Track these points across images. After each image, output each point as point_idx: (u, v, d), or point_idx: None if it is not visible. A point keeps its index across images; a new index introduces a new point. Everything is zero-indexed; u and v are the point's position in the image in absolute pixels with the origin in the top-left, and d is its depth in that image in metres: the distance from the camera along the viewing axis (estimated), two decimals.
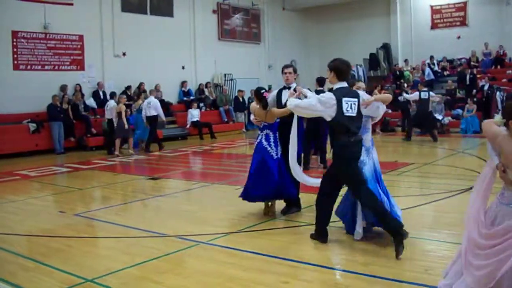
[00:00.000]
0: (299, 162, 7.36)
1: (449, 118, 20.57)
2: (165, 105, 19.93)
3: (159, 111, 17.32)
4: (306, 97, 7.34)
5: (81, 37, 19.22)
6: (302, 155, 8.60)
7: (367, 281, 4.88)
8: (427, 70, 24.60)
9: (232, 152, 17.56)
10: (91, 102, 19.19)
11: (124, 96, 17.31)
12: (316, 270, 5.33)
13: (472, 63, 24.41)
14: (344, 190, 6.29)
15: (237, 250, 5.96)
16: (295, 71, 7.75)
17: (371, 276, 4.98)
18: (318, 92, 9.29)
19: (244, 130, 23.78)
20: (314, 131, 11.22)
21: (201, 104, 22.87)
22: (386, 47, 27.36)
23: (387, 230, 5.72)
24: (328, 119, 5.78)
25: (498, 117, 3.90)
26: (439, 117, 19.73)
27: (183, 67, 23.24)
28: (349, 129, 5.74)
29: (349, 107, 5.75)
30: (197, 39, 23.80)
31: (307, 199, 8.37)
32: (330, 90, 6.19)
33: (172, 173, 12.72)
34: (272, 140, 7.33)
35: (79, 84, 18.88)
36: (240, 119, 24.13)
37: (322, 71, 30.28)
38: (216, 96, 24.01)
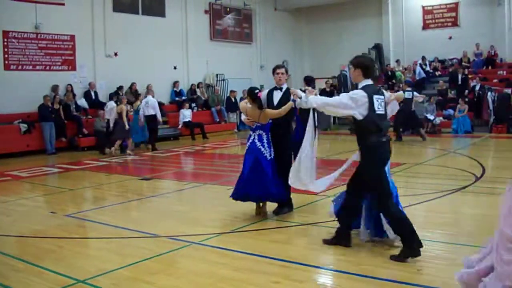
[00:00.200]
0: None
1: (441, 118, 20.64)
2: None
3: (157, 110, 17.51)
4: (300, 98, 7.33)
5: (72, 37, 19.14)
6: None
7: (359, 281, 4.89)
8: (418, 69, 24.69)
9: (224, 152, 17.55)
10: (82, 102, 19.12)
11: (125, 97, 17.41)
12: (308, 270, 5.33)
13: (463, 63, 24.51)
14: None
15: (229, 250, 5.96)
16: (286, 71, 7.74)
17: (363, 276, 4.99)
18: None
19: (236, 130, 23.78)
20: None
21: (193, 104, 22.85)
22: (378, 48, 27.41)
23: (403, 243, 5.45)
24: (360, 117, 5.46)
25: None
26: (430, 117, 19.80)
27: (175, 67, 23.21)
28: (381, 128, 5.50)
29: (380, 104, 5.52)
30: (189, 39, 23.77)
31: (300, 200, 8.39)
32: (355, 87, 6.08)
33: (164, 174, 12.70)
34: (265, 140, 7.31)
35: (70, 85, 18.80)
36: (232, 119, 24.13)
37: (314, 71, 30.52)
38: (208, 96, 23.99)
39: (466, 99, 20.92)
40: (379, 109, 5.48)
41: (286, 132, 7.57)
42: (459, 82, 22.28)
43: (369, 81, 5.62)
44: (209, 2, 25.10)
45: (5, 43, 17.32)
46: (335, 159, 13.97)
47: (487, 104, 20.28)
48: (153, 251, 6.00)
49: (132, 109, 17.50)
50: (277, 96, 7.54)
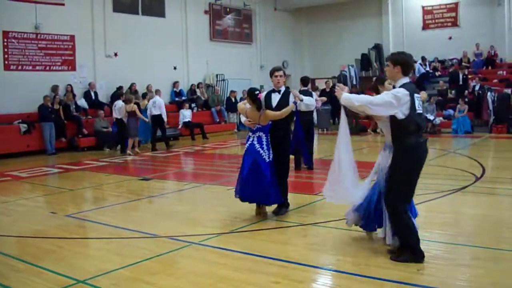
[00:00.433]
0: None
1: (441, 118, 20.64)
2: None
3: (163, 110, 17.78)
4: (301, 100, 7.32)
5: (72, 37, 19.15)
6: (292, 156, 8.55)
7: (358, 281, 4.89)
8: (417, 66, 24.72)
9: (224, 152, 17.55)
10: (82, 102, 19.13)
11: (133, 96, 17.68)
12: (307, 270, 5.33)
13: (463, 63, 24.51)
14: None
15: (229, 250, 5.96)
16: (284, 74, 7.70)
17: (362, 276, 4.99)
18: (302, 93, 9.22)
19: (236, 130, 23.79)
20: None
21: (193, 105, 22.85)
22: (377, 48, 27.39)
23: (407, 249, 5.35)
24: (401, 117, 5.18)
25: None
26: (430, 117, 19.79)
27: (175, 68, 23.22)
28: (421, 128, 5.31)
29: (419, 103, 5.28)
30: (189, 39, 23.77)
31: (299, 200, 8.40)
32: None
33: (164, 174, 12.69)
34: (264, 143, 7.27)
35: (70, 85, 18.81)
36: (232, 119, 24.14)
37: (314, 71, 30.56)
38: (208, 96, 24.00)
39: (466, 99, 20.93)
40: (419, 108, 5.28)
41: (286, 133, 7.55)
42: (460, 82, 22.28)
43: (408, 79, 5.41)
44: (209, 3, 25.11)
45: (5, 43, 17.32)
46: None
47: (487, 104, 20.28)
48: (153, 251, 6.00)
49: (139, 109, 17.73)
50: (275, 98, 7.49)
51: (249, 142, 7.36)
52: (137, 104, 17.30)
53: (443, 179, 10.32)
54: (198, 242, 6.31)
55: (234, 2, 26.22)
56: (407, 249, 5.34)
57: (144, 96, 18.70)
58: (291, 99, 7.43)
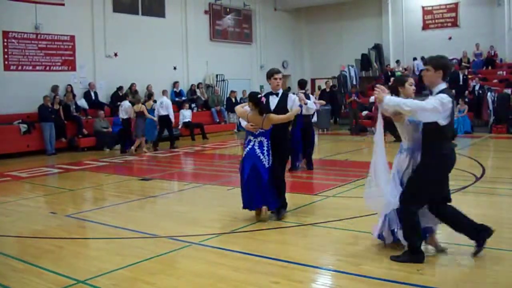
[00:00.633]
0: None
1: None
2: None
3: (170, 111, 18.03)
4: (306, 104, 7.31)
5: (72, 38, 19.15)
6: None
7: (359, 281, 4.90)
8: (417, 63, 24.69)
9: (224, 152, 17.57)
10: (82, 102, 19.13)
11: (142, 97, 18.18)
12: (307, 270, 5.34)
13: (463, 63, 24.50)
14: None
15: (229, 250, 5.96)
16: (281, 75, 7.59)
17: (362, 276, 4.99)
18: None
19: (236, 130, 23.77)
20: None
21: (193, 105, 22.84)
22: (377, 48, 27.44)
23: (409, 249, 5.37)
24: (444, 123, 5.09)
25: None
26: None
27: (174, 68, 23.22)
28: (455, 134, 5.35)
29: (454, 110, 5.26)
30: (189, 39, 23.77)
31: (299, 200, 8.40)
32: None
33: (164, 174, 12.69)
34: (265, 148, 7.12)
35: (70, 85, 18.79)
36: (232, 119, 24.12)
37: (314, 71, 30.51)
38: (208, 96, 23.99)
39: (466, 100, 20.93)
40: (454, 114, 5.21)
41: (285, 136, 7.48)
42: (460, 83, 22.27)
43: (445, 84, 5.31)
44: (209, 3, 25.11)
45: (5, 44, 17.32)
46: (335, 159, 13.96)
47: (487, 104, 20.29)
48: (153, 251, 6.00)
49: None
50: (273, 101, 7.33)
51: (249, 147, 7.19)
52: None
53: None
54: (198, 242, 6.31)
55: (234, 2, 26.21)
56: (408, 249, 5.34)
57: (150, 97, 18.72)
58: (289, 102, 7.38)
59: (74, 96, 18.76)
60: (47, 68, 18.49)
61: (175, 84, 22.69)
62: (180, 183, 11.44)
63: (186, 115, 21.14)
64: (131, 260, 5.66)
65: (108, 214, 8.32)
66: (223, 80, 25.01)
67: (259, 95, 7.20)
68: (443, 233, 6.36)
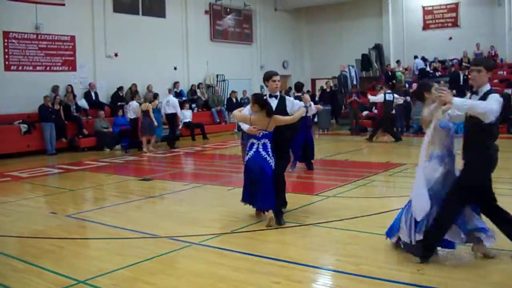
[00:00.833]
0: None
1: None
2: None
3: (177, 109, 18.61)
4: (310, 105, 7.31)
5: (72, 38, 19.15)
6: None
7: (359, 281, 4.90)
8: (417, 61, 24.67)
9: (224, 153, 17.56)
10: (83, 103, 19.13)
11: (151, 95, 18.56)
12: (307, 270, 5.34)
13: (463, 64, 24.48)
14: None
15: (229, 250, 5.96)
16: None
17: (362, 276, 4.99)
18: (297, 98, 9.17)
19: (236, 130, 23.72)
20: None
21: (193, 105, 22.84)
22: (378, 48, 27.44)
23: (423, 243, 5.33)
24: (494, 121, 5.23)
25: None
26: None
27: (175, 68, 23.22)
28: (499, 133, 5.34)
29: None
30: (189, 39, 23.77)
31: (300, 200, 8.40)
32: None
33: (164, 174, 12.70)
34: (269, 149, 7.02)
35: (70, 85, 18.79)
36: (232, 120, 24.10)
37: (314, 71, 30.48)
38: (208, 96, 23.99)
39: None
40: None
41: (287, 138, 7.48)
42: (461, 83, 22.24)
43: (489, 85, 5.32)
44: (209, 3, 25.11)
45: (6, 44, 17.32)
46: (335, 159, 13.95)
47: None
48: (153, 251, 6.00)
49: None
50: (273, 104, 7.20)
51: (253, 150, 7.06)
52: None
53: None
54: (198, 243, 6.31)
55: (234, 2, 26.22)
56: (424, 243, 5.29)
57: (155, 96, 18.75)
58: (288, 104, 7.35)
59: (74, 96, 18.76)
60: (48, 68, 18.50)
61: (175, 84, 22.66)
62: (180, 183, 11.42)
63: (187, 115, 21.14)
64: (131, 260, 5.66)
65: (109, 214, 8.32)
66: (224, 80, 25.01)
67: (265, 97, 7.11)
68: None
